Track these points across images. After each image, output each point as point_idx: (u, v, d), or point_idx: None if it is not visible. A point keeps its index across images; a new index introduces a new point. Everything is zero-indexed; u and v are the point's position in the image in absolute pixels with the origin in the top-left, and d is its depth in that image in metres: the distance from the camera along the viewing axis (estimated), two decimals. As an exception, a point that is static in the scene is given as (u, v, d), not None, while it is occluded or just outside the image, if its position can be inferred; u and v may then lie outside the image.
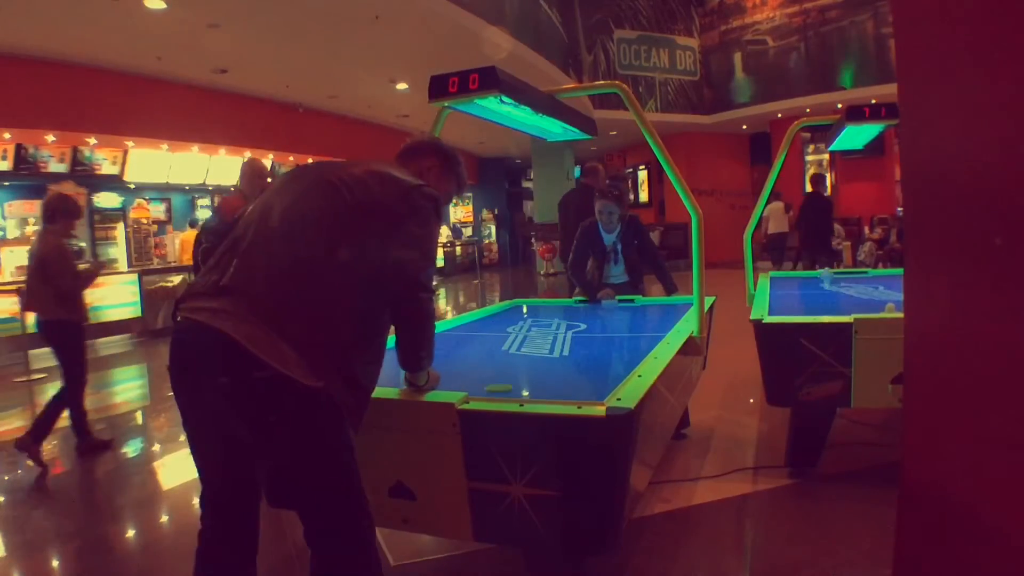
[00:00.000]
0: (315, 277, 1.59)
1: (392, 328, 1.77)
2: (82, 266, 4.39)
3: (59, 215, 4.11)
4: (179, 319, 1.62)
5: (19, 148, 8.35)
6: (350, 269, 1.61)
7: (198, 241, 3.69)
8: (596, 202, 4.17)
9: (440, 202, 1.81)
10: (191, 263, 9.32)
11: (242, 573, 1.69)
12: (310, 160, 12.35)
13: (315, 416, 1.55)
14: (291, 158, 11.90)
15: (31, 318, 6.97)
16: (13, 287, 7.03)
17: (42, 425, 3.95)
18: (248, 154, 11.13)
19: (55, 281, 3.96)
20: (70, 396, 4.04)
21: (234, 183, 11.24)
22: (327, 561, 1.62)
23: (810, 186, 7.99)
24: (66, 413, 4.05)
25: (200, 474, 1.71)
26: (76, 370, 4.06)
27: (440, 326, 3.43)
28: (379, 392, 2.01)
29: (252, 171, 4.06)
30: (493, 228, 20.68)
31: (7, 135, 8.05)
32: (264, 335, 1.49)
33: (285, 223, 1.66)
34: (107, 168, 9.42)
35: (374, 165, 1.80)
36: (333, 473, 1.61)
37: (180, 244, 10.57)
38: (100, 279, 8.41)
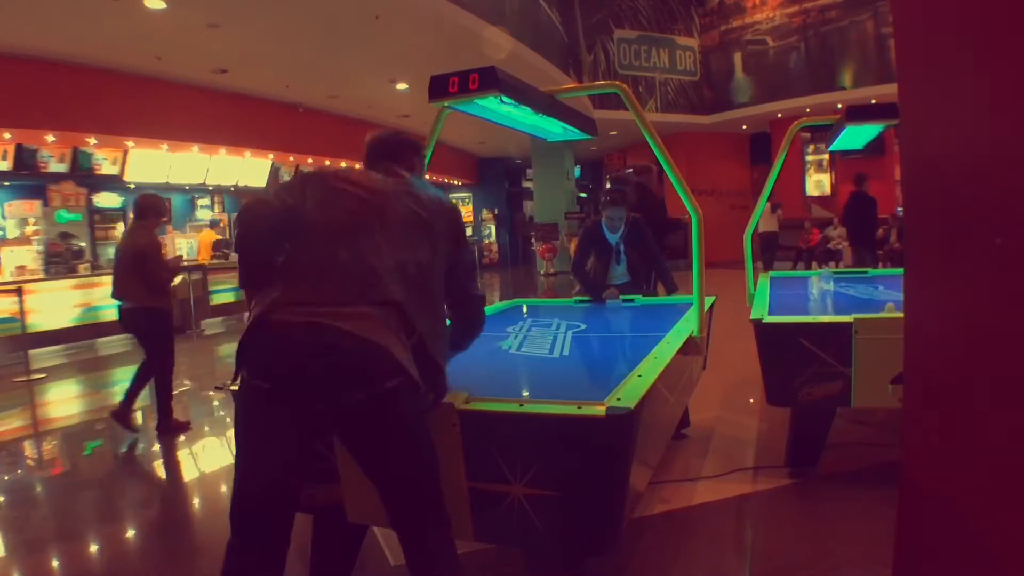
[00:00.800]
0: (429, 284, 1.76)
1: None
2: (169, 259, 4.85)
3: (151, 212, 4.52)
4: (290, 331, 1.56)
5: (19, 148, 8.35)
6: (440, 274, 1.81)
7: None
8: (603, 207, 4.24)
9: None
10: (206, 262, 9.36)
11: None
12: (310, 160, 12.42)
13: (421, 412, 1.69)
14: (291, 158, 11.90)
15: (30, 318, 7.03)
16: (13, 287, 7.04)
17: (131, 397, 4.42)
18: (248, 154, 11.13)
19: (151, 273, 4.32)
20: (159, 377, 4.44)
21: (233, 183, 11.26)
22: (435, 542, 1.68)
23: (854, 185, 8.03)
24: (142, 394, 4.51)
25: (244, 485, 1.65)
26: (165, 353, 4.49)
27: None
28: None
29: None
30: (493, 228, 20.68)
31: (7, 135, 8.05)
32: (399, 345, 1.59)
33: (387, 237, 1.73)
34: (107, 168, 9.42)
35: (408, 179, 1.92)
36: (435, 461, 1.70)
37: (199, 244, 10.59)
38: (99, 279, 8.48)
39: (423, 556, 1.68)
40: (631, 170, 6.28)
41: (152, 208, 4.53)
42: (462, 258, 1.90)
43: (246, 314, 1.71)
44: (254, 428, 1.65)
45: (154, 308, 4.38)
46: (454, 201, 1.97)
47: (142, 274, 4.29)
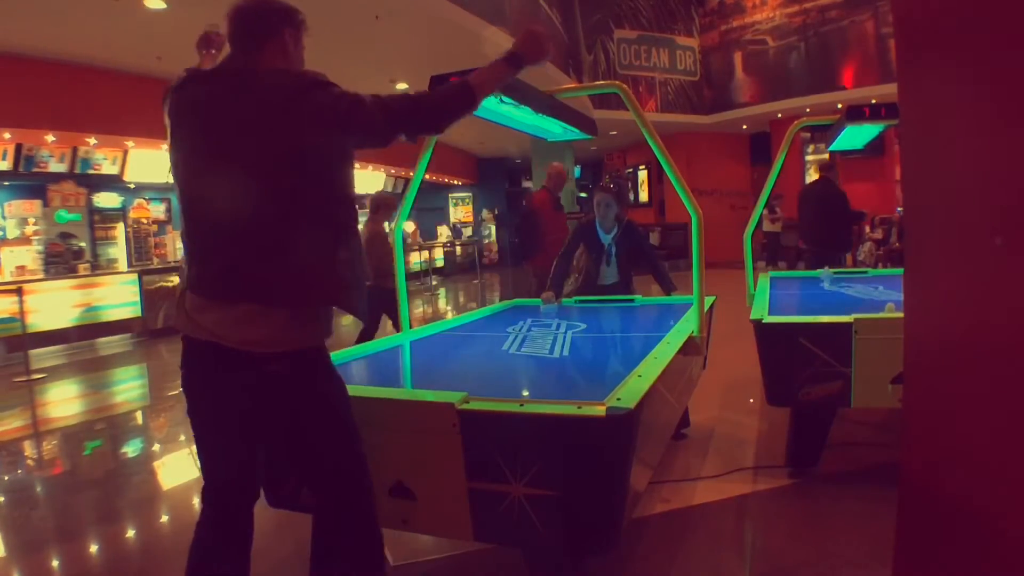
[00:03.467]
0: (273, 221, 1.57)
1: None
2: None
3: (381, 208, 5.54)
4: (185, 335, 1.71)
5: (19, 148, 8.35)
6: (297, 193, 1.57)
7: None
8: (595, 194, 4.20)
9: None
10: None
11: (235, 564, 1.78)
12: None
13: (318, 373, 1.70)
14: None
15: (30, 318, 7.03)
16: (13, 287, 7.04)
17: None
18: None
19: (376, 258, 5.07)
20: (358, 342, 5.04)
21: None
22: (344, 513, 1.74)
23: None
24: None
25: (204, 471, 1.78)
26: (368, 323, 5.02)
27: (440, 326, 3.43)
28: (379, 392, 2.01)
29: (557, 172, 5.52)
30: (493, 228, 20.66)
31: (7, 135, 8.04)
32: (262, 326, 1.58)
33: (220, 190, 1.57)
34: (107, 168, 9.41)
35: (247, 77, 1.68)
36: (347, 424, 1.73)
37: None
38: (99, 279, 8.47)
39: (326, 535, 1.76)
40: (828, 159, 6.70)
41: (382, 205, 5.56)
42: (335, 120, 1.68)
43: None
44: (192, 413, 1.74)
45: (378, 287, 4.89)
46: (314, 77, 1.72)
47: (369, 258, 4.82)
